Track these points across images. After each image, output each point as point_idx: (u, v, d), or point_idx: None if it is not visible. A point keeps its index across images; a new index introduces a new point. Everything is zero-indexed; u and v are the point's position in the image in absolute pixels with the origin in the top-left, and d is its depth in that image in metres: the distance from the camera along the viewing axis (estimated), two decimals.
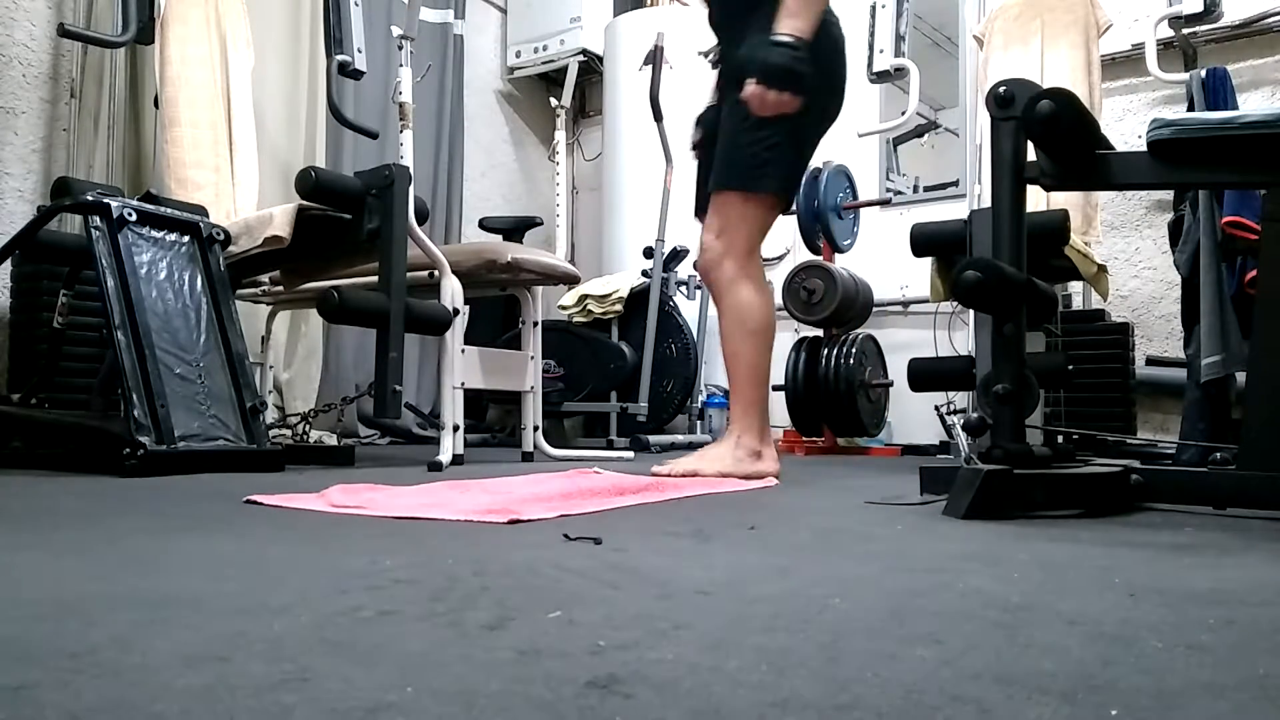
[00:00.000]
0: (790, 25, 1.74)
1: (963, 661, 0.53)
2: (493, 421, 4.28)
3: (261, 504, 1.36)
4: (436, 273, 2.49)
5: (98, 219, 2.07)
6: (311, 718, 0.41)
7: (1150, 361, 3.73)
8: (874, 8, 3.84)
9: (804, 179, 4.00)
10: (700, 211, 2.13)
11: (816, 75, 1.87)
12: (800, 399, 3.68)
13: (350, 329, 3.83)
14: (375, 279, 2.40)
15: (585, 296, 4.15)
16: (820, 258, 3.94)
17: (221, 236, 2.34)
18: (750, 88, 1.70)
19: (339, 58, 3.10)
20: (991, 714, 0.43)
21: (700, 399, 4.20)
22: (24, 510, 1.31)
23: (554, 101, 4.83)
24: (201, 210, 2.48)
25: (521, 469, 2.30)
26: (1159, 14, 3.46)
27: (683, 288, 4.23)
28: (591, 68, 5.01)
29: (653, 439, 3.76)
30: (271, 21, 3.81)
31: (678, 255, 4.02)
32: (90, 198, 2.09)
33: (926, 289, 2.90)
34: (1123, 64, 3.88)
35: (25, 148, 3.15)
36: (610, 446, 3.80)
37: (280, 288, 2.91)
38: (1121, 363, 3.39)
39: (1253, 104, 3.61)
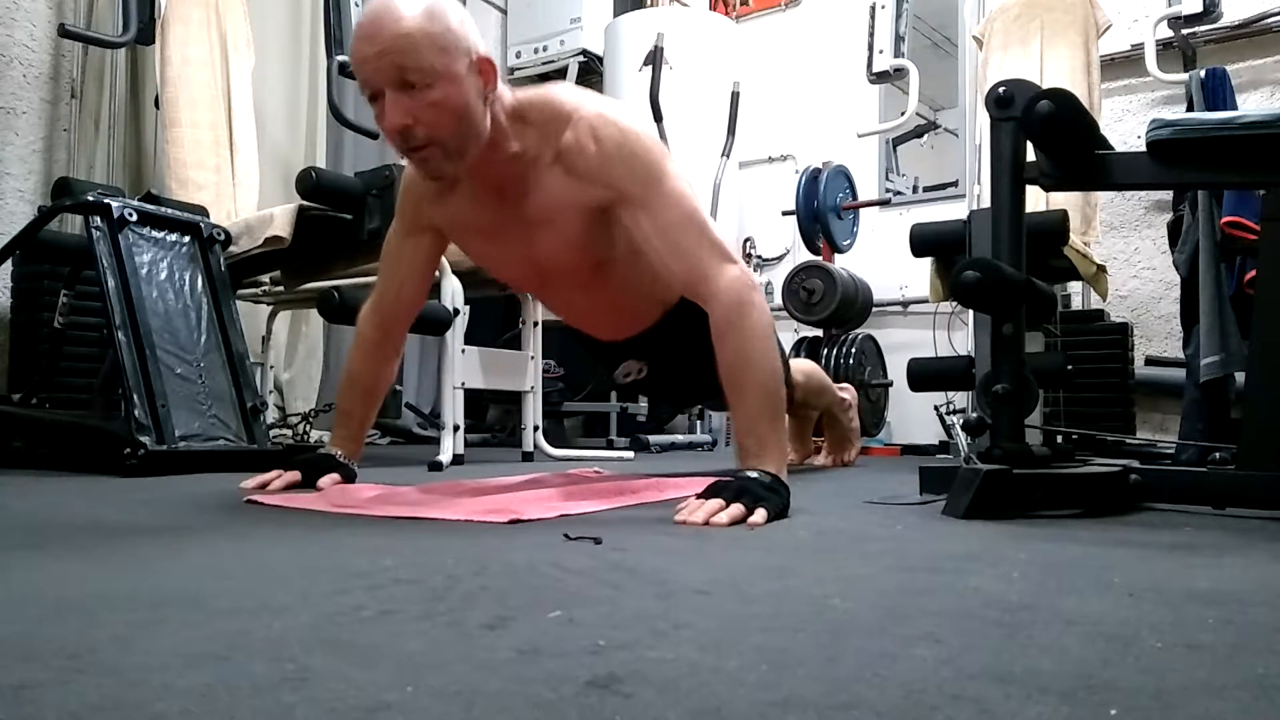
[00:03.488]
0: (774, 463, 1.35)
1: (962, 661, 0.53)
2: (493, 421, 4.28)
3: (261, 504, 1.36)
4: (437, 273, 2.49)
5: (98, 219, 2.07)
6: (311, 718, 0.41)
7: (1149, 361, 3.73)
8: (874, 8, 3.84)
9: (804, 179, 4.02)
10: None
11: None
12: None
13: (350, 329, 3.82)
14: (375, 279, 2.40)
15: None
16: (820, 258, 3.94)
17: (222, 237, 2.34)
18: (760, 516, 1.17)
19: (339, 58, 3.10)
20: (991, 714, 0.43)
21: None
22: (24, 510, 1.31)
23: None
24: (202, 210, 2.48)
25: (521, 469, 2.30)
26: (1158, 14, 3.46)
27: None
28: (591, 68, 5.01)
29: (653, 439, 3.76)
30: (271, 21, 3.81)
31: None
32: (91, 198, 2.09)
33: (926, 289, 2.90)
34: (1122, 64, 3.88)
35: (26, 148, 3.14)
36: (610, 446, 3.81)
37: (280, 288, 2.91)
38: (1121, 363, 3.39)
39: (1252, 104, 3.61)
